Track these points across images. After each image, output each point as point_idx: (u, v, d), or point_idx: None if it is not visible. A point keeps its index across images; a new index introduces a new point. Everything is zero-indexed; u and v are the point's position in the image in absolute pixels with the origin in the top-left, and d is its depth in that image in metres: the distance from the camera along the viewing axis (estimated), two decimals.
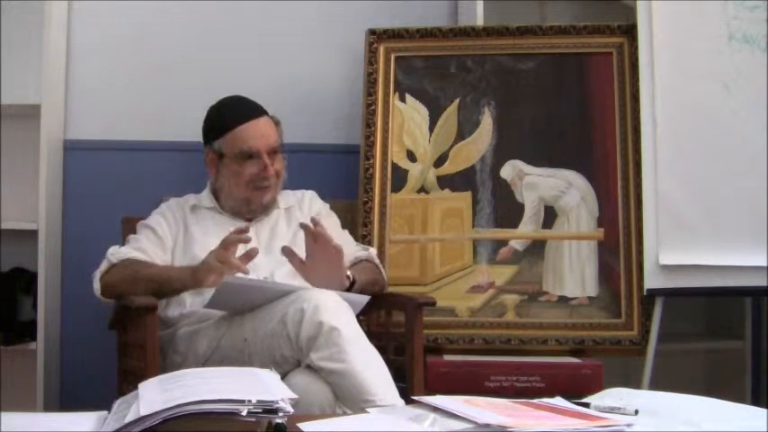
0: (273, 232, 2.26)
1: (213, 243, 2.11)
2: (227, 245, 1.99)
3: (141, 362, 1.90)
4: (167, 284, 2.06)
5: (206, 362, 2.00)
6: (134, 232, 2.26)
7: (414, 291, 2.46)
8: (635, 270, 2.50)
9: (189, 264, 2.12)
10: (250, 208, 2.24)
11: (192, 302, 2.10)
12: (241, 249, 2.02)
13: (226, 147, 2.21)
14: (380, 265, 2.34)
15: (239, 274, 1.97)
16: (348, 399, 1.80)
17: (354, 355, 1.82)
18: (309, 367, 1.85)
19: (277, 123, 2.27)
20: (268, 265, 2.16)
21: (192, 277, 2.03)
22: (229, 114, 2.24)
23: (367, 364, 1.83)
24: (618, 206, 2.55)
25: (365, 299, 2.06)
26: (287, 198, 2.34)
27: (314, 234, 2.06)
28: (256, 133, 2.20)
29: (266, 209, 2.26)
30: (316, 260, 2.07)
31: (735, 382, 2.88)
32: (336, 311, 1.87)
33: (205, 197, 2.30)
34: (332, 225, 2.34)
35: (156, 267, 2.13)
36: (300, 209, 2.34)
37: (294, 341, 1.85)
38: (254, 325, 1.94)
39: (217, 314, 2.04)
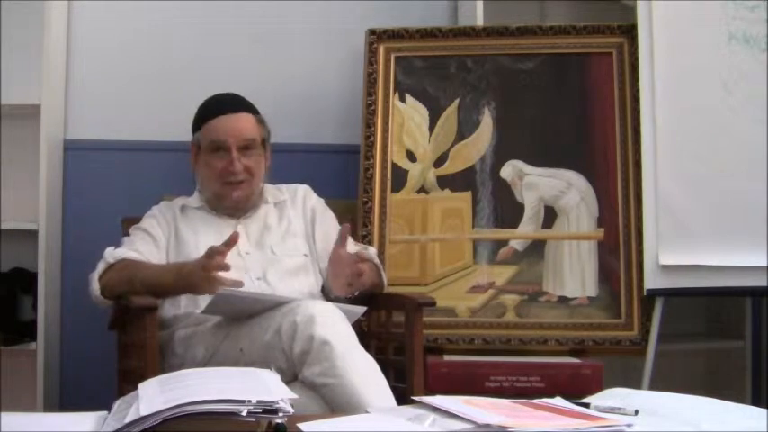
0: (264, 228, 2.23)
1: (203, 242, 2.09)
2: (211, 254, 1.94)
3: (141, 362, 1.90)
4: (162, 290, 2.03)
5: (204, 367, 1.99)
6: None
7: (414, 291, 2.45)
8: (635, 270, 2.50)
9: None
10: (223, 204, 2.22)
11: (186, 304, 2.09)
12: (232, 255, 1.99)
13: (202, 138, 2.21)
14: (381, 266, 2.33)
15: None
16: (344, 413, 1.78)
17: (347, 370, 1.78)
18: (304, 382, 1.82)
19: (261, 122, 2.24)
20: (260, 264, 2.15)
21: (185, 284, 2.00)
22: (209, 107, 2.23)
23: (361, 378, 1.79)
24: (618, 206, 2.55)
25: (361, 310, 2.03)
26: (277, 193, 2.32)
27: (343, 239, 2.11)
28: (228, 126, 2.17)
29: (243, 205, 2.23)
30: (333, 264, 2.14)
31: (735, 382, 2.88)
32: (330, 324, 1.84)
33: (194, 197, 2.28)
34: (328, 221, 2.33)
35: (150, 270, 2.09)
36: (293, 204, 2.31)
37: (288, 354, 1.83)
38: (249, 336, 1.92)
39: (213, 316, 2.03)
